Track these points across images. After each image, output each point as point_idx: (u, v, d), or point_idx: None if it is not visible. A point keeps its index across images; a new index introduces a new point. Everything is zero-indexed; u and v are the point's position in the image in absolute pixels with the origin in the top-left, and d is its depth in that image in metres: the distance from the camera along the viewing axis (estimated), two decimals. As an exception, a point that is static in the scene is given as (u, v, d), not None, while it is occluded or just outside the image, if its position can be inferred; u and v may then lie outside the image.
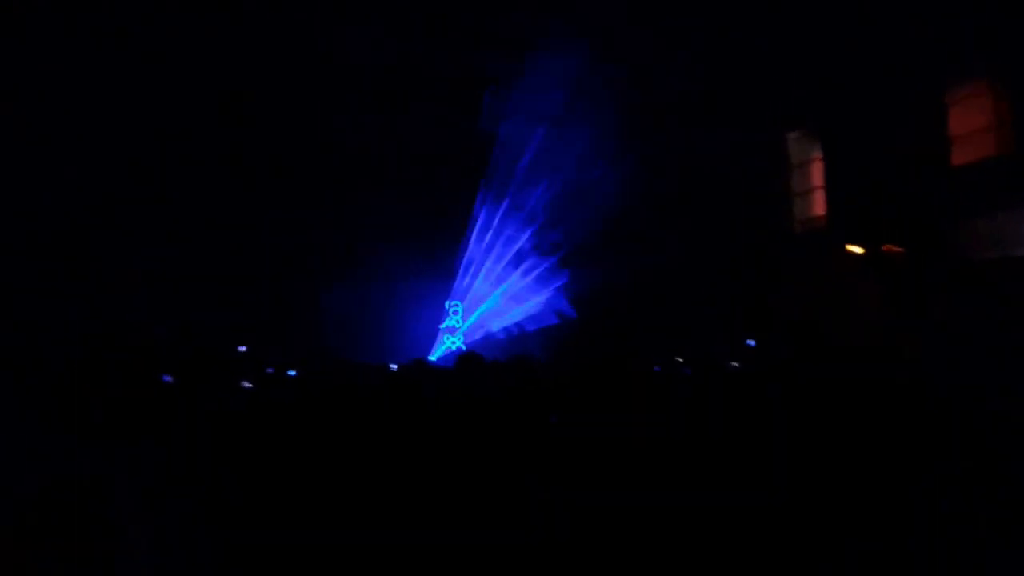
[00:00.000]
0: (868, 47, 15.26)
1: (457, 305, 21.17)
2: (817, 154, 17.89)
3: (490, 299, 21.12)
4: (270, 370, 13.98)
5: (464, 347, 20.62)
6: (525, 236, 20.94)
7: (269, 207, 18.52)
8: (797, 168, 18.77)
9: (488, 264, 21.27)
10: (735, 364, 12.79)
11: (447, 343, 20.90)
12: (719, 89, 17.68)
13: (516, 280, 21.15)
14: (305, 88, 18.12)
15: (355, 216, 19.02)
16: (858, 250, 14.97)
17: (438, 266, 20.68)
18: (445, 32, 17.90)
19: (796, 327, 15.09)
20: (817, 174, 17.89)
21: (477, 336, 21.04)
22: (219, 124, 17.61)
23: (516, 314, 20.83)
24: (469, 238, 21.22)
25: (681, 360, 12.52)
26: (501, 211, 20.97)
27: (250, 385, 9.53)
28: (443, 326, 21.10)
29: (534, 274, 20.96)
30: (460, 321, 21.15)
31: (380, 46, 17.72)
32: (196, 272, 17.46)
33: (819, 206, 17.74)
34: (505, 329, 20.84)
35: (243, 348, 17.10)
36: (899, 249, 14.23)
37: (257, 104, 17.84)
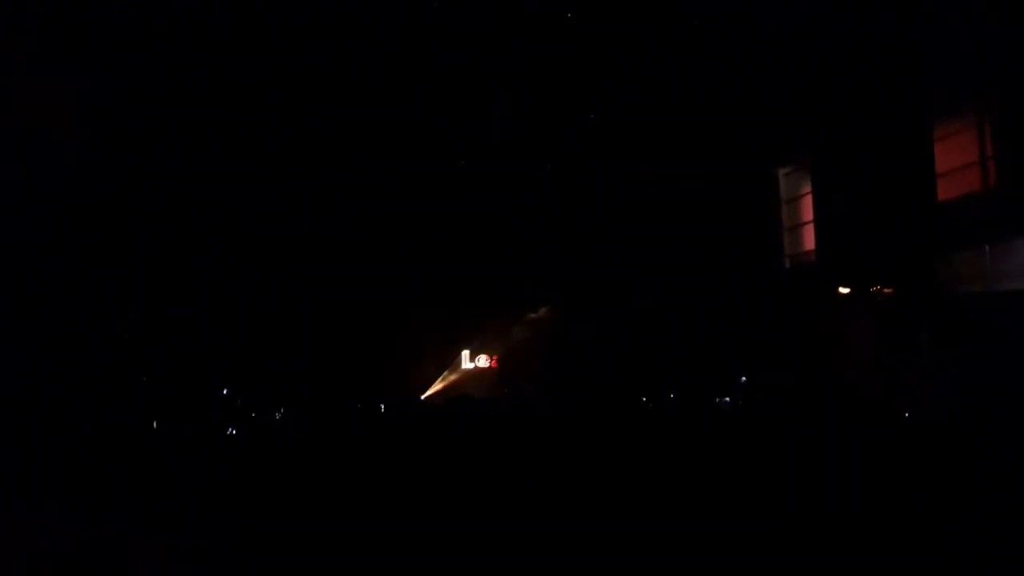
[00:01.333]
0: (858, 85, 15.55)
1: None
2: (808, 189, 18.11)
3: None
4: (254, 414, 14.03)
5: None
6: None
7: (259, 252, 18.60)
8: (788, 203, 19.00)
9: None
10: (727, 400, 12.95)
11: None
12: (712, 125, 17.95)
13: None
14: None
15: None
16: (846, 290, 15.14)
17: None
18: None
19: (790, 366, 15.28)
20: (807, 209, 18.08)
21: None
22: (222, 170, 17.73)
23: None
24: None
25: (673, 396, 12.67)
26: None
27: (234, 432, 9.63)
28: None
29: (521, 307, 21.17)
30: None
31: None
32: (179, 319, 17.47)
33: (809, 240, 17.90)
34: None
35: (226, 391, 17.06)
36: (887, 289, 14.39)
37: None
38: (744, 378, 15.55)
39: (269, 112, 17.79)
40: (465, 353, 21.36)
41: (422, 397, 19.91)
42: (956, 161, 14.37)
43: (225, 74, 16.96)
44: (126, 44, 15.73)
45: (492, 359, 21.09)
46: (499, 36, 17.02)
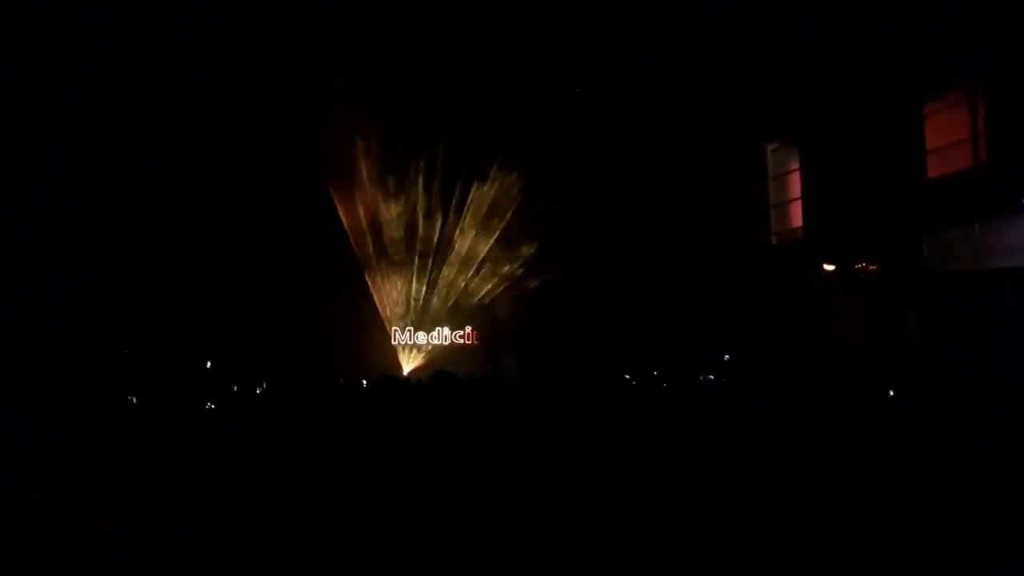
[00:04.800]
0: (846, 59, 15.37)
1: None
2: (795, 166, 17.95)
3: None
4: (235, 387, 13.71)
5: None
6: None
7: (235, 217, 18.40)
8: (775, 180, 18.86)
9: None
10: (711, 377, 12.82)
11: None
12: (698, 100, 17.78)
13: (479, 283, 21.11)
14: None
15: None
16: (830, 267, 15.06)
17: None
18: None
19: (775, 344, 15.26)
20: (795, 186, 17.94)
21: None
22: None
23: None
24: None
25: (657, 373, 12.54)
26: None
27: (213, 406, 9.32)
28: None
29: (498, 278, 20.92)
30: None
31: None
32: (158, 284, 17.34)
33: (796, 218, 17.78)
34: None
35: (209, 364, 16.88)
36: (872, 267, 14.31)
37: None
38: (727, 356, 15.51)
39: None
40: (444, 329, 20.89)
41: (405, 373, 19.70)
42: (947, 137, 14.24)
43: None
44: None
45: (473, 333, 20.56)
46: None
